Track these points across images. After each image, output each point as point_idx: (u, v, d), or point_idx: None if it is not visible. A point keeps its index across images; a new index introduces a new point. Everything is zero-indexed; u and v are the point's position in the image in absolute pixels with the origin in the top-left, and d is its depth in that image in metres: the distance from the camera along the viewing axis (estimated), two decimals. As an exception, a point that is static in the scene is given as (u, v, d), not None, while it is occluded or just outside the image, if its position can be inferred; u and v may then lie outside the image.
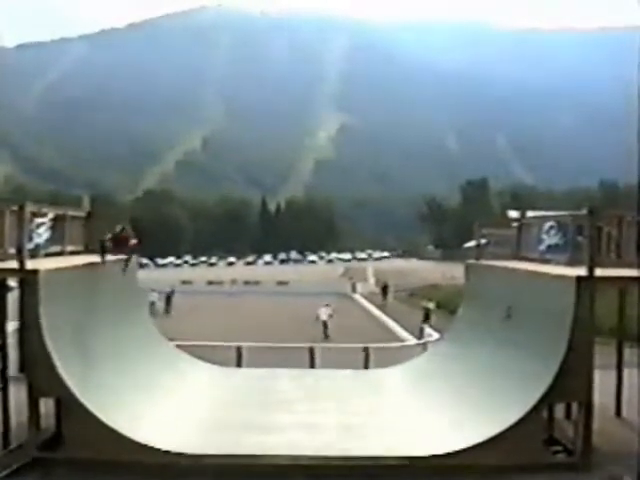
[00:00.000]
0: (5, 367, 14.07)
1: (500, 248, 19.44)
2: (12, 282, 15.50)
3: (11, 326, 14.82)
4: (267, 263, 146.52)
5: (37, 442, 13.13)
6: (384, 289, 61.66)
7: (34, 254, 14.30)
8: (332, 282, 76.01)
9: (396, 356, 22.64)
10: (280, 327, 38.69)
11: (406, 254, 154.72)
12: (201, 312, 49.86)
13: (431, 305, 41.49)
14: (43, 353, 12.56)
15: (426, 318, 38.30)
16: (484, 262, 19.08)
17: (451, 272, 65.79)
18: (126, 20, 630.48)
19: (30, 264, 13.21)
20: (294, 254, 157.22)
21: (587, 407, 13.20)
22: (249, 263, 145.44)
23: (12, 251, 13.34)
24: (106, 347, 14.72)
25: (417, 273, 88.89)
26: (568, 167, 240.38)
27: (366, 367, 22.63)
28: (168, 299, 52.05)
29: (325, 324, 37.99)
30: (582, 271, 13.29)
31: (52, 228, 15.53)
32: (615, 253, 14.20)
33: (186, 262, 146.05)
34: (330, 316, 38.75)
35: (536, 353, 13.59)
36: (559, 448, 13.93)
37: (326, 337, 36.63)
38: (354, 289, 71.84)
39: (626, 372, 16.27)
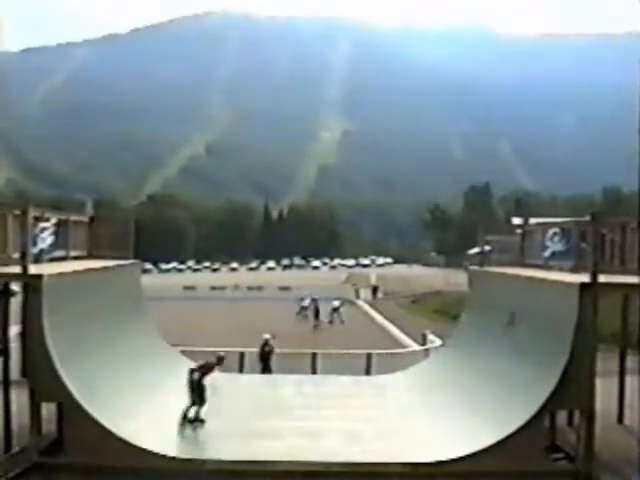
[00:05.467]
0: (7, 371, 14.06)
1: (503, 255, 19.43)
2: (15, 287, 15.52)
3: (14, 330, 14.82)
4: (270, 269, 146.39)
5: (38, 447, 13.13)
6: (374, 290, 74.21)
7: (38, 259, 14.32)
8: (335, 288, 75.92)
9: (399, 362, 22.62)
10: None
11: (409, 260, 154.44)
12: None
13: None
14: (45, 358, 12.57)
15: None
16: (487, 269, 19.08)
17: (454, 278, 65.77)
18: (130, 25, 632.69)
19: (33, 269, 13.22)
20: (297, 260, 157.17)
21: (589, 414, 13.15)
22: (252, 269, 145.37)
23: (16, 256, 13.34)
24: (108, 352, 14.73)
25: (420, 279, 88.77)
26: (571, 173, 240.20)
27: (368, 373, 22.63)
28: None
29: (336, 309, 49.54)
30: (585, 278, 13.28)
31: (55, 233, 15.54)
32: (619, 260, 14.16)
33: (189, 267, 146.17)
34: (342, 304, 52.10)
35: (538, 360, 13.57)
36: (561, 455, 13.90)
37: (338, 322, 48.35)
38: (357, 295, 71.81)
39: (629, 379, 16.23)
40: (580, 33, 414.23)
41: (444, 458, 12.79)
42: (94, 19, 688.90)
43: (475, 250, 18.04)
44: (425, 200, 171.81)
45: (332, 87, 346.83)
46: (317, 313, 48.89)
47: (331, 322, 48.73)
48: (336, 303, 51.15)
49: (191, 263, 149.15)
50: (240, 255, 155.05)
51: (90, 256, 17.82)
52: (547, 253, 16.37)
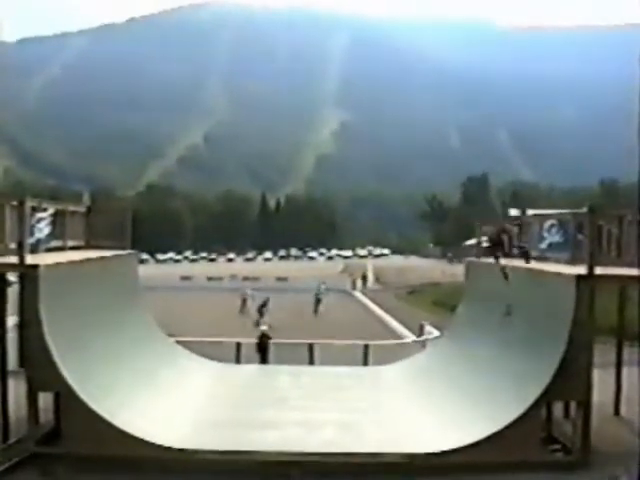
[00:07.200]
0: (4, 362, 14.05)
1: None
2: (12, 277, 15.50)
3: (11, 321, 14.81)
4: (267, 259, 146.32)
5: (36, 437, 13.12)
6: (364, 279, 76.13)
7: (35, 249, 14.30)
8: (332, 279, 75.90)
9: (395, 353, 22.63)
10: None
11: (406, 252, 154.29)
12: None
13: None
14: (42, 348, 12.55)
15: None
16: (484, 260, 19.06)
17: (451, 270, 65.81)
18: (127, 15, 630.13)
19: (30, 259, 13.20)
20: (294, 251, 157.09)
21: (586, 406, 13.18)
22: (249, 259, 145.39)
23: (13, 246, 13.32)
24: (106, 342, 14.71)
25: (417, 271, 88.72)
26: (570, 164, 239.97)
27: (365, 364, 22.65)
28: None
29: (319, 300, 48.85)
30: (582, 269, 13.28)
31: (53, 223, 15.53)
32: (615, 251, 14.17)
33: (186, 258, 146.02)
34: (326, 290, 52.91)
35: (535, 351, 13.58)
36: (557, 447, 13.91)
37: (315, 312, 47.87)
38: (354, 286, 71.85)
39: (625, 371, 16.25)
40: (580, 24, 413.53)
41: (440, 449, 12.81)
42: (90, 9, 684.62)
43: (471, 242, 17.89)
44: (423, 191, 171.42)
45: (330, 77, 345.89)
46: (260, 309, 39.67)
47: (316, 312, 48.31)
48: (323, 289, 51.80)
49: (188, 253, 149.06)
50: (237, 246, 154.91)
51: (87, 246, 17.79)
52: (544, 245, 16.36)
